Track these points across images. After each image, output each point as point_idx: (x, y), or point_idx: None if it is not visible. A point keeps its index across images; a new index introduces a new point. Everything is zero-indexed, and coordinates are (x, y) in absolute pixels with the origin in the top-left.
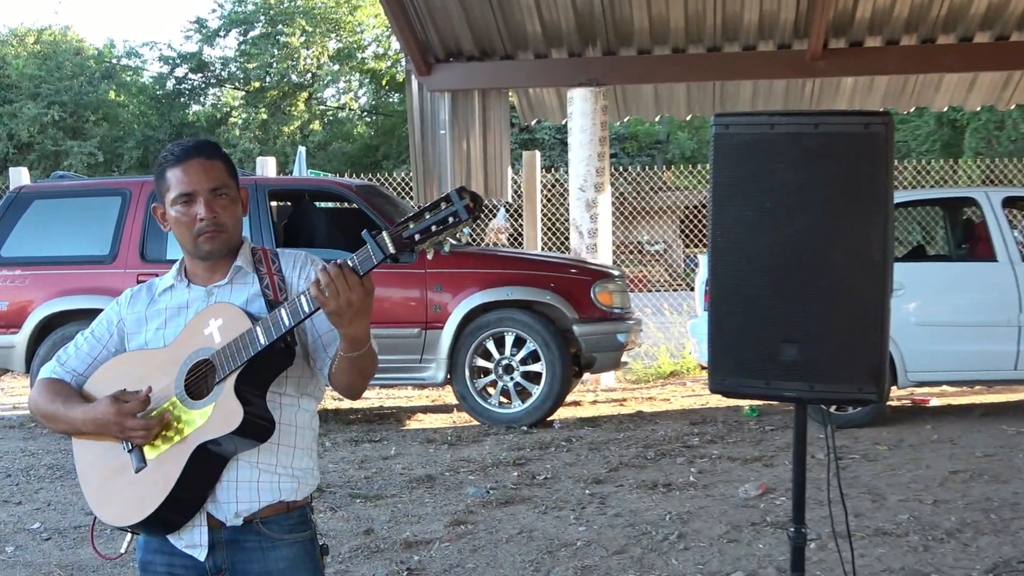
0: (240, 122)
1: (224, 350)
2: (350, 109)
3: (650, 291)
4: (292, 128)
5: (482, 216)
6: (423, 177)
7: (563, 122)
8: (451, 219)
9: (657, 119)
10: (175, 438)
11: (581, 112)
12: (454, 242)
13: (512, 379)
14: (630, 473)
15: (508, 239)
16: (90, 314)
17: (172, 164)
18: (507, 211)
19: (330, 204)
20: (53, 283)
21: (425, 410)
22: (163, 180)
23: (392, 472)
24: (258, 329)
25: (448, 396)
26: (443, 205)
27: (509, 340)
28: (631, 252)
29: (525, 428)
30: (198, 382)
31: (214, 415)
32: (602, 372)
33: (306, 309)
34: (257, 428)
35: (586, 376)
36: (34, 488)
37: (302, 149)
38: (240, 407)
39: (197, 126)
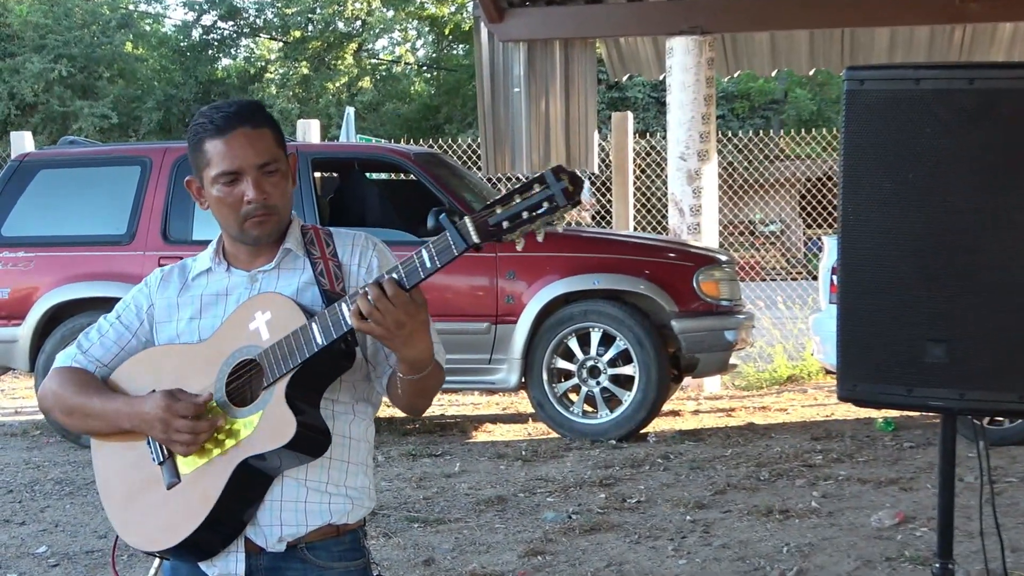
0: (277, 78)
1: (273, 349)
2: (406, 63)
3: (764, 280)
4: (338, 85)
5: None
6: (493, 144)
7: (660, 78)
8: (546, 205)
9: (773, 74)
10: (214, 451)
11: (682, 66)
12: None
13: (598, 384)
14: (740, 497)
15: (593, 217)
16: (104, 304)
17: (212, 134)
18: (592, 184)
19: (383, 176)
20: (61, 267)
21: (495, 419)
22: (200, 153)
23: (456, 492)
24: (314, 326)
25: (522, 403)
26: (536, 188)
27: (595, 337)
28: (741, 233)
29: (614, 442)
30: (241, 386)
31: (261, 426)
32: (706, 376)
33: (347, 322)
34: (311, 442)
35: (687, 381)
36: (39, 506)
37: (350, 110)
38: (292, 417)
39: (227, 83)
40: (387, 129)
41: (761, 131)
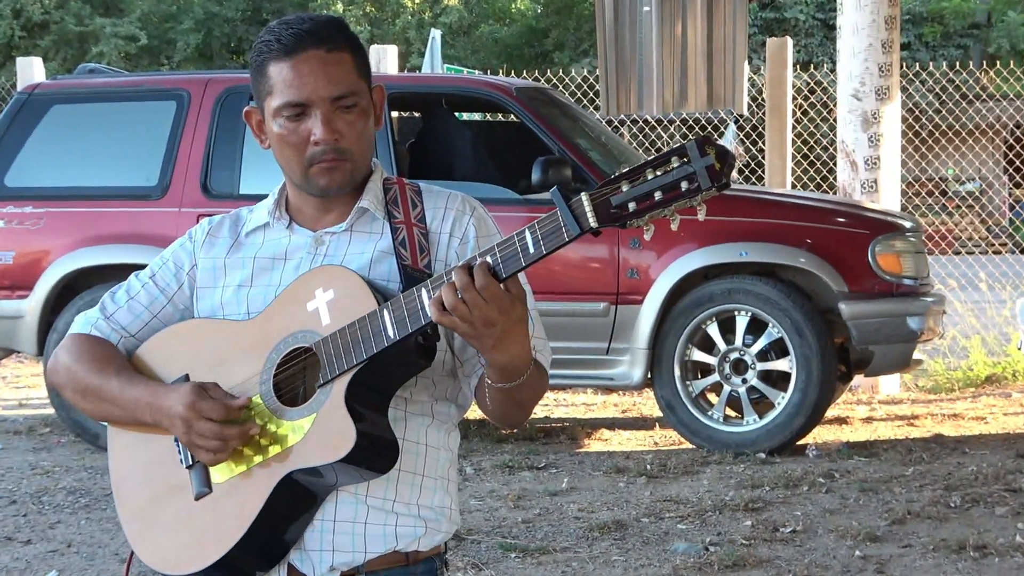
0: None
1: (334, 339)
2: None
3: (959, 253)
4: (420, 2)
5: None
6: (615, 77)
7: None
8: (685, 185)
9: None
10: (255, 458)
11: None
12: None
13: (745, 382)
14: (923, 528)
15: (741, 171)
16: (130, 272)
17: (278, 55)
18: (740, 129)
19: (476, 116)
20: (77, 226)
21: (613, 424)
22: (263, 77)
23: (564, 515)
24: (386, 314)
25: (647, 405)
26: (674, 162)
27: (742, 323)
28: (930, 193)
29: (763, 455)
30: (291, 379)
31: (313, 433)
32: (883, 374)
33: (427, 314)
34: (373, 456)
35: (858, 380)
36: (49, 521)
37: (436, 34)
38: (351, 426)
39: (281, 0)
40: (481, 58)
41: (957, 63)
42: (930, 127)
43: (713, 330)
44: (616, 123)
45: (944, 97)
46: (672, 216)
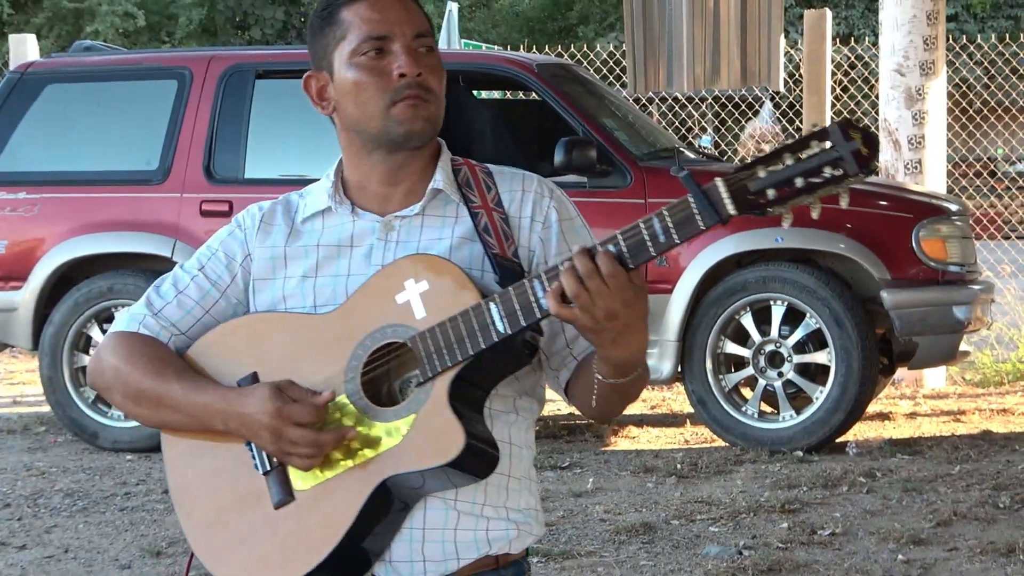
0: None
1: (433, 334)
2: None
3: (1008, 238)
4: None
5: (741, 117)
6: (643, 52)
7: None
8: (829, 171)
9: None
10: (345, 463)
11: None
12: (694, 156)
13: (781, 375)
14: (970, 530)
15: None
16: (129, 262)
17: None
18: (776, 107)
19: (496, 94)
20: (74, 213)
21: (640, 421)
22: (332, 25)
23: (589, 517)
24: (493, 307)
25: (677, 400)
26: (815, 146)
27: (777, 314)
28: (978, 174)
29: (800, 453)
30: (378, 378)
31: (414, 435)
32: (928, 367)
33: (543, 308)
34: (479, 458)
35: (900, 373)
36: (44, 525)
37: (452, 7)
38: (459, 427)
39: None
40: (501, 32)
41: (1008, 36)
42: (978, 104)
43: (747, 321)
44: (644, 101)
45: (993, 72)
46: (814, 204)
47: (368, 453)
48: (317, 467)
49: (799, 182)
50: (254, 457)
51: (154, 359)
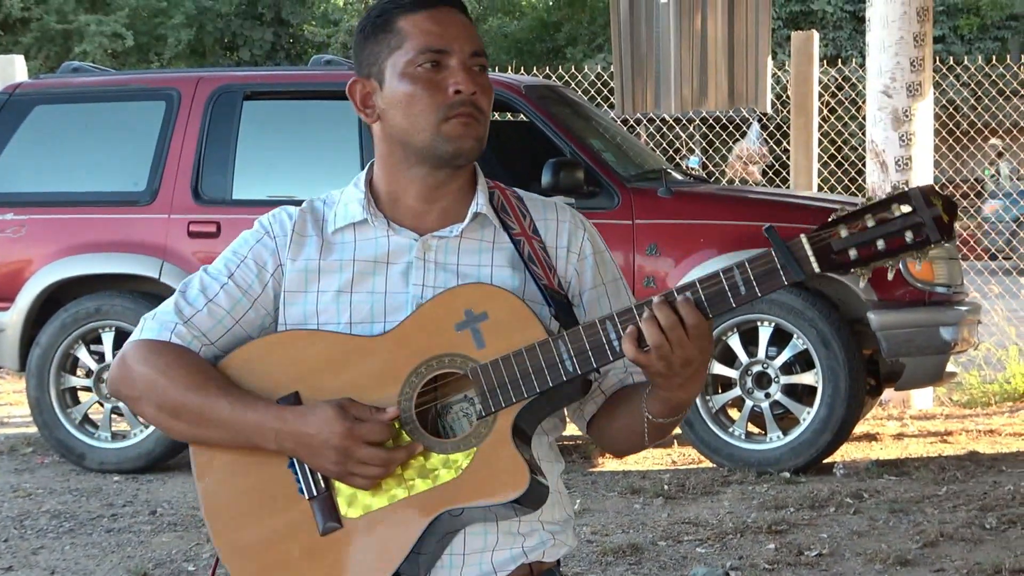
0: None
1: (496, 368)
2: None
3: (995, 258)
4: None
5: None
6: (631, 73)
7: None
8: (910, 236)
9: None
10: (397, 492)
11: None
12: (681, 177)
13: (768, 396)
14: (957, 551)
15: (765, 172)
16: (118, 283)
17: (411, 9)
18: (764, 128)
19: None
20: (61, 234)
21: None
22: (388, 33)
23: (577, 538)
24: (562, 346)
25: None
26: (896, 210)
27: (764, 335)
28: (965, 196)
29: (788, 474)
30: (428, 407)
31: (476, 470)
32: (915, 388)
33: (616, 351)
34: (539, 494)
35: (888, 394)
36: (31, 546)
37: None
38: (523, 464)
39: None
40: (490, 54)
41: (994, 57)
42: (965, 125)
43: (734, 342)
44: (632, 122)
45: (980, 93)
46: (894, 266)
47: (423, 484)
48: (367, 494)
49: (880, 245)
50: (298, 480)
51: (195, 371)
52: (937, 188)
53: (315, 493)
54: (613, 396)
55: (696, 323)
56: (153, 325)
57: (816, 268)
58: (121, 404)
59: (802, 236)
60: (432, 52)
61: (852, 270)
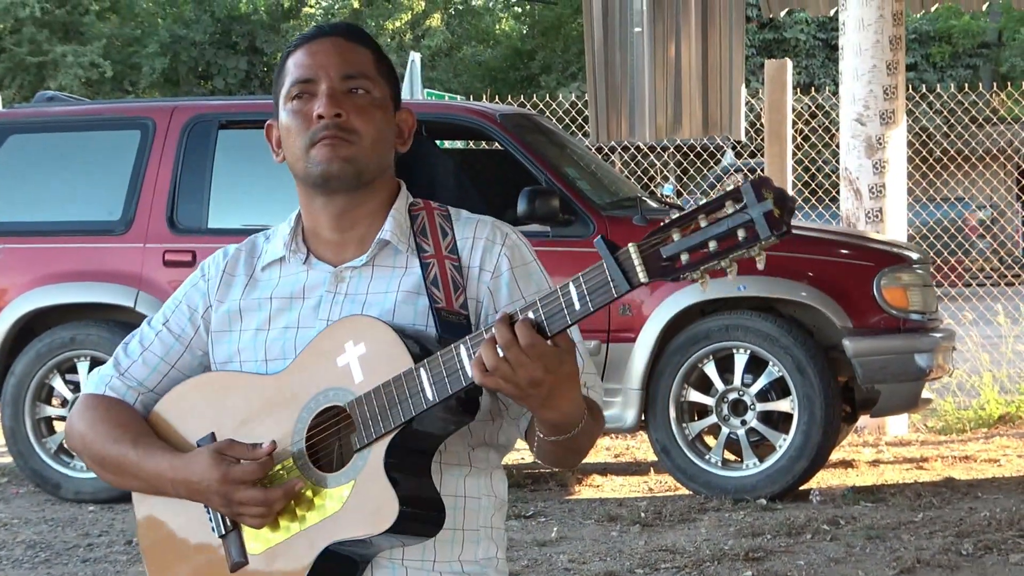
0: (320, 14)
1: (369, 399)
2: None
3: (970, 285)
4: (400, 24)
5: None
6: (605, 101)
7: (830, 14)
8: (741, 234)
9: (984, 8)
10: (292, 527)
11: None
12: (656, 205)
13: (744, 423)
14: None
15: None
16: (92, 312)
17: (297, 46)
18: (738, 156)
19: (459, 144)
20: (36, 263)
21: (605, 470)
22: (282, 74)
23: (554, 566)
24: (423, 373)
25: (641, 448)
26: (728, 207)
27: (740, 362)
28: (939, 222)
29: (764, 501)
30: (326, 440)
31: (353, 502)
32: (890, 415)
33: (468, 375)
34: (419, 523)
35: (863, 421)
36: None
37: (415, 57)
38: (393, 495)
39: (254, 20)
40: (464, 81)
41: (967, 85)
42: (938, 152)
43: (710, 369)
44: (606, 150)
45: (953, 121)
46: (729, 267)
47: (313, 518)
48: (268, 530)
49: (712, 246)
50: (211, 520)
51: (116, 424)
52: (903, 217)
53: (223, 532)
54: None
55: (531, 343)
56: (94, 380)
57: (643, 278)
58: None
59: (630, 244)
60: (300, 84)
61: (683, 276)
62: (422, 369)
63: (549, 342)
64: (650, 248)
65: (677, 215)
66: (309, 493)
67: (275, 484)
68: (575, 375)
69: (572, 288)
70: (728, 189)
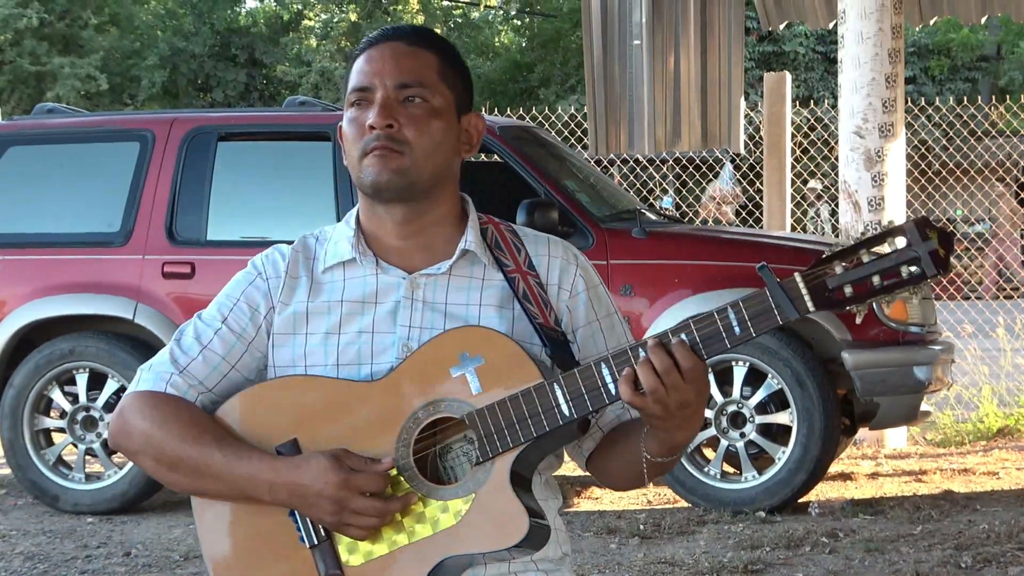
0: (318, 27)
1: (493, 412)
2: (488, 7)
3: (968, 298)
4: None
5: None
6: (604, 114)
7: (830, 27)
8: (905, 271)
9: (983, 21)
10: (397, 539)
11: (860, 10)
12: (655, 218)
13: (743, 436)
14: None
15: (738, 212)
16: (91, 323)
17: (361, 50)
18: (737, 168)
19: None
20: (34, 275)
21: None
22: (347, 78)
23: (575, 573)
24: (558, 390)
25: None
26: (891, 244)
27: (739, 374)
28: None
29: (763, 514)
30: (425, 451)
31: (474, 517)
32: (889, 427)
33: (612, 394)
34: (538, 536)
35: (862, 433)
36: None
37: None
38: (523, 510)
39: (253, 33)
40: None
41: (965, 98)
42: (937, 165)
43: (709, 381)
44: (605, 163)
45: (951, 133)
46: (889, 303)
47: (422, 531)
48: (368, 542)
49: (876, 281)
50: (299, 529)
51: (190, 424)
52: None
53: (315, 542)
54: (611, 432)
55: (692, 366)
56: (149, 376)
57: (811, 307)
58: (95, 446)
59: (796, 274)
60: (357, 91)
61: (848, 307)
62: (556, 385)
63: (704, 366)
64: (815, 279)
65: (840, 248)
66: (419, 506)
67: (396, 497)
68: (707, 400)
69: (731, 312)
70: (890, 226)
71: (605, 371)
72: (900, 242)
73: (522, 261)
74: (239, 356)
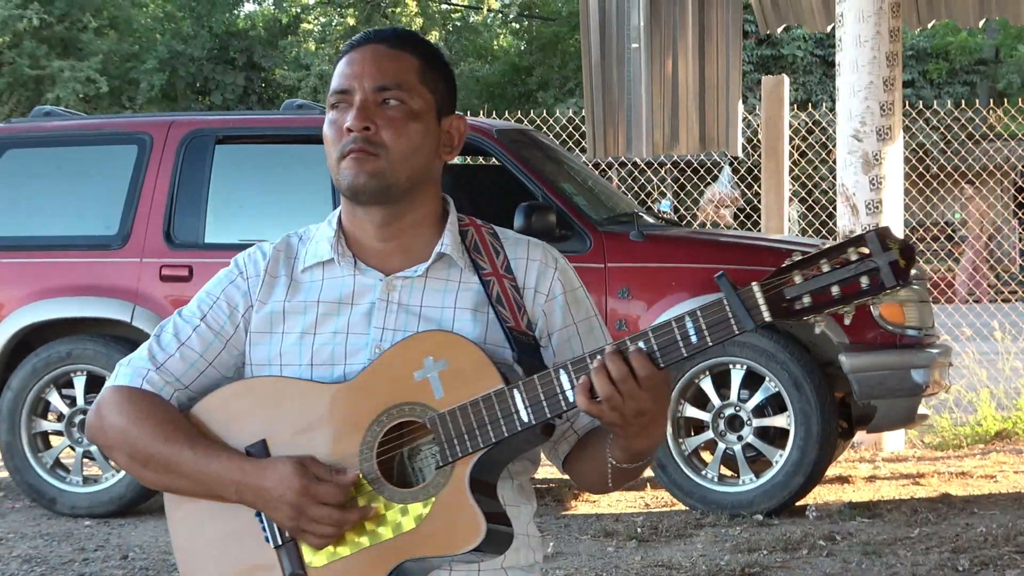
0: (317, 31)
1: (453, 417)
2: (488, 10)
3: (967, 302)
4: None
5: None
6: (602, 118)
7: (827, 30)
8: (865, 282)
9: (981, 24)
10: (360, 542)
11: (858, 13)
12: (653, 221)
13: (741, 439)
14: None
15: (736, 216)
16: (89, 326)
17: (343, 54)
18: (735, 172)
19: (456, 159)
20: (32, 278)
21: None
22: (331, 80)
23: None
24: (517, 396)
25: None
26: (852, 255)
27: (737, 377)
28: (935, 239)
29: (760, 517)
30: (388, 454)
31: (433, 521)
32: (887, 430)
33: (569, 400)
34: (498, 541)
35: (859, 436)
36: None
37: None
38: (479, 514)
39: (252, 36)
40: (461, 97)
41: (963, 102)
42: (935, 169)
43: (706, 384)
44: (604, 166)
45: (949, 137)
46: (849, 311)
47: (385, 533)
48: (332, 544)
49: (835, 291)
50: (264, 529)
51: (163, 421)
52: (900, 232)
53: (279, 542)
54: (585, 436)
55: (648, 374)
56: (127, 372)
57: (767, 317)
58: (93, 448)
59: (754, 284)
60: (337, 94)
61: (805, 318)
62: (516, 391)
63: (662, 374)
64: (773, 288)
65: (799, 258)
66: (380, 509)
67: (354, 505)
68: (668, 405)
69: (688, 321)
70: (850, 236)
71: (564, 378)
72: (861, 252)
73: (500, 264)
74: (217, 353)
